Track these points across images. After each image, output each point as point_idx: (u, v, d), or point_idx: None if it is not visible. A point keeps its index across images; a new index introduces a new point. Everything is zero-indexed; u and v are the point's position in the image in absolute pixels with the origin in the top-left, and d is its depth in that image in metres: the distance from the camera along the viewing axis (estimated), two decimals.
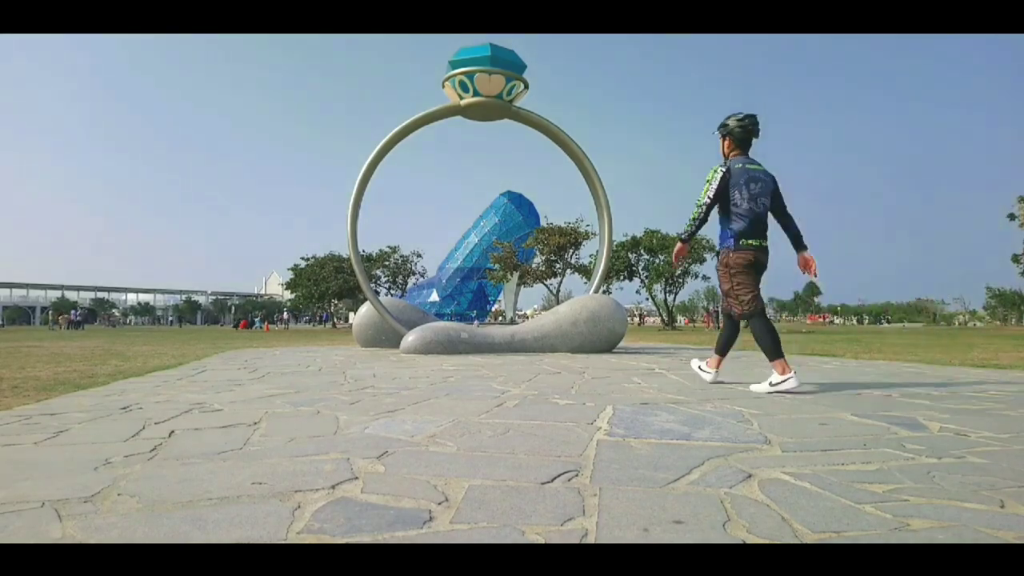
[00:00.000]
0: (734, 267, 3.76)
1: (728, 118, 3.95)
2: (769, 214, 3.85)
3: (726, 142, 3.95)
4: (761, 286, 3.80)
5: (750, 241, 3.73)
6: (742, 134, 3.87)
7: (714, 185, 3.76)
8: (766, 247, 3.81)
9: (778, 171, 3.91)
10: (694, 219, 3.83)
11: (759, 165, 3.85)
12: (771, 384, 3.54)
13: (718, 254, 3.93)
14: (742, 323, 3.97)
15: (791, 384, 3.48)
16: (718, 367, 4.01)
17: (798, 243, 3.93)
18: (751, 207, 3.72)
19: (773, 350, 3.63)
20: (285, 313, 75.64)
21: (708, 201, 3.77)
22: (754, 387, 3.71)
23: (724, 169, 3.79)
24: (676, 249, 4.12)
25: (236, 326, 50.51)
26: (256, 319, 54.88)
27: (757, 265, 3.78)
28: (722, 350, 4.02)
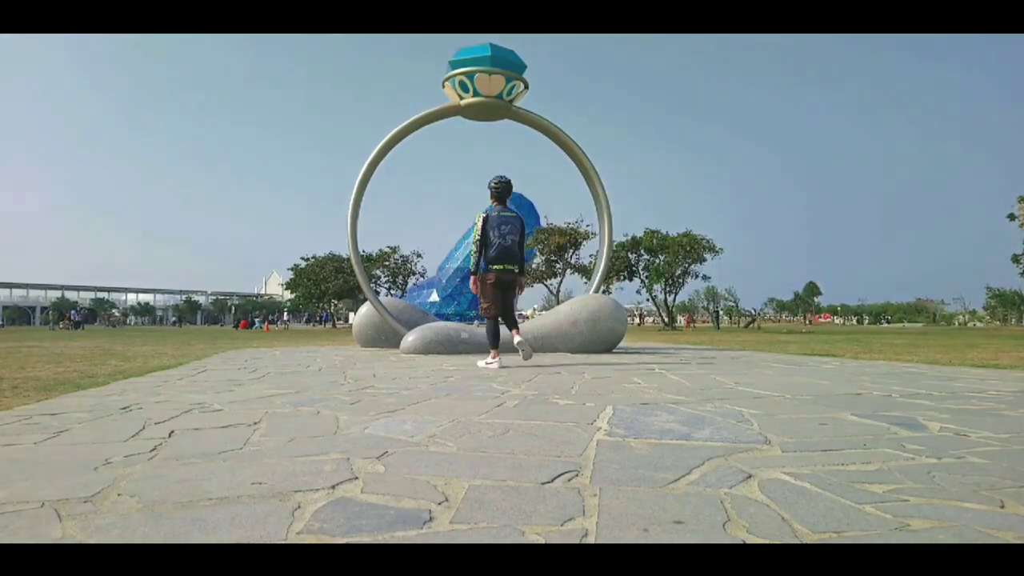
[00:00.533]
0: (483, 283, 5.45)
1: (490, 181, 5.62)
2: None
3: (490, 195, 5.65)
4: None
5: (496, 266, 5.40)
6: (496, 192, 5.59)
7: (479, 226, 5.43)
8: (511, 269, 5.46)
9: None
10: (474, 252, 5.45)
11: (512, 212, 5.55)
12: (486, 363, 5.24)
13: (474, 272, 5.51)
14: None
15: (494, 366, 5.12)
16: (496, 357, 5.30)
17: (521, 270, 5.61)
18: (500, 242, 5.37)
19: (492, 342, 5.43)
20: (285, 313, 75.59)
21: (479, 238, 5.42)
22: (479, 363, 5.40)
23: (485, 215, 5.45)
24: (471, 281, 5.58)
25: (236, 326, 50.52)
26: (256, 319, 54.89)
27: (500, 282, 5.45)
28: (498, 337, 5.46)
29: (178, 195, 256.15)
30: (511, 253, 5.42)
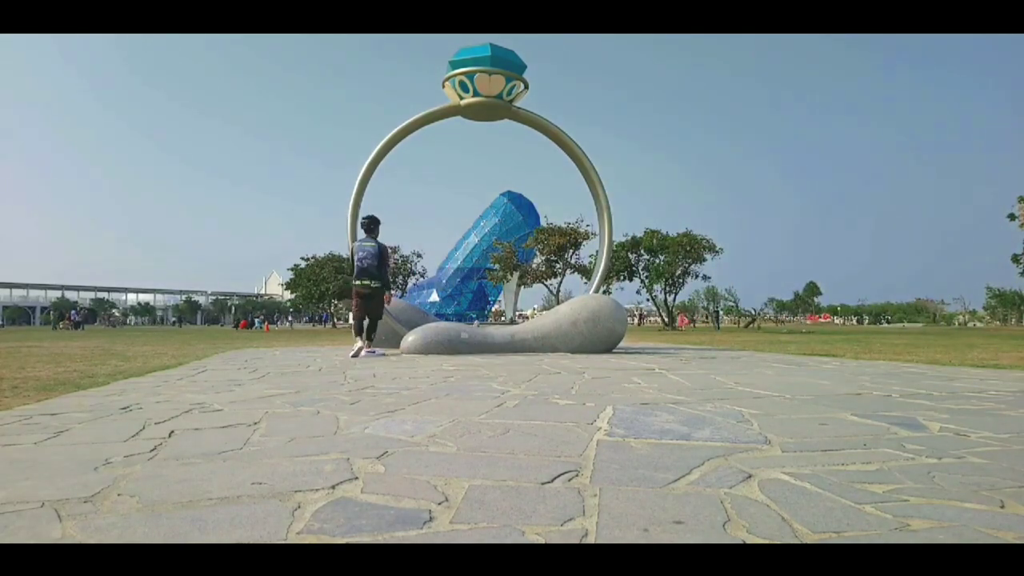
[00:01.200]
0: (355, 296, 7.29)
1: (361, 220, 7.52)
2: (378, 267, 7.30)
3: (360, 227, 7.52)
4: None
5: (356, 282, 7.17)
6: (363, 225, 7.38)
7: (350, 254, 7.35)
8: (367, 284, 7.15)
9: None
10: (348, 272, 7.59)
11: (371, 242, 7.24)
12: (352, 355, 6.69)
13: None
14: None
15: (351, 353, 6.83)
16: (362, 345, 6.95)
17: (387, 287, 7.39)
18: (359, 264, 7.15)
19: (355, 333, 7.17)
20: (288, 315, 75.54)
21: (349, 262, 7.32)
22: (350, 354, 6.79)
23: (355, 244, 7.34)
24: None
25: (236, 326, 50.55)
26: (256, 319, 54.96)
27: (359, 294, 7.21)
28: (360, 332, 7.09)
29: (178, 195, 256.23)
30: (368, 272, 7.19)
